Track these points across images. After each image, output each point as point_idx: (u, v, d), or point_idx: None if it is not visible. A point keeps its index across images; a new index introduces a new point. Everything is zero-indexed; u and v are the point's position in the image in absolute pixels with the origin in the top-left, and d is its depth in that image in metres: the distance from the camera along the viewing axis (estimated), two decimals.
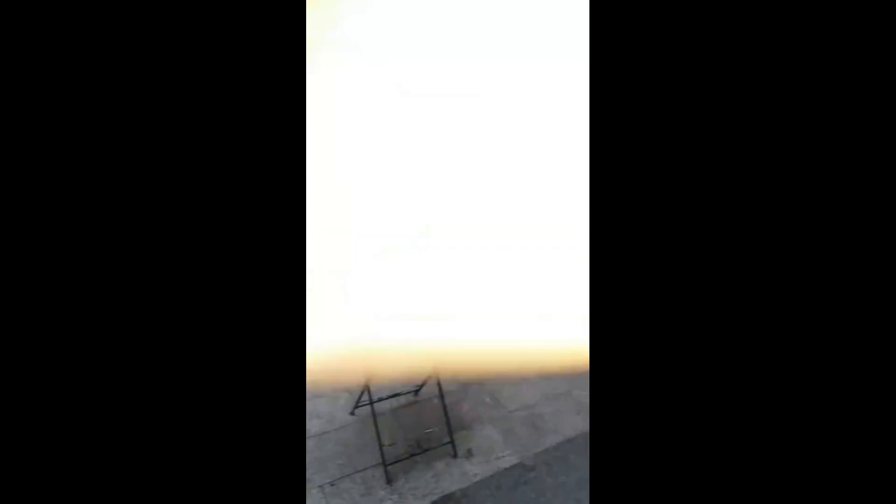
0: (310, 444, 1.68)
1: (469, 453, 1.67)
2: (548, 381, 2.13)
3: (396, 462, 1.60)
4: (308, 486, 1.51)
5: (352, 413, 1.81)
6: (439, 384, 1.68)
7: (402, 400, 1.93)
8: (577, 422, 1.87)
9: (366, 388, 1.59)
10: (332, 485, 1.52)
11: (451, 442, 1.67)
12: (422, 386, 1.97)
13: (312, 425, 1.77)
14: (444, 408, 1.68)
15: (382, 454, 1.55)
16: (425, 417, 1.85)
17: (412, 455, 1.64)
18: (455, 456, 1.64)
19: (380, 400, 1.86)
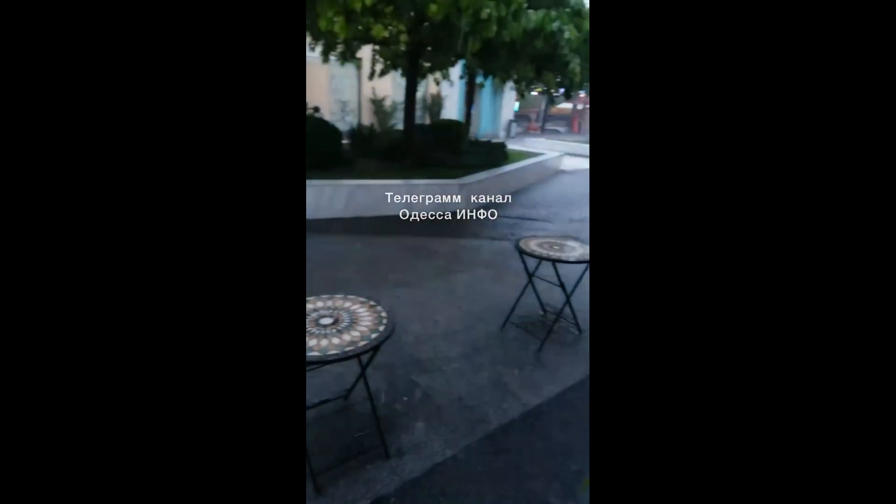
0: None
1: (401, 452, 1.65)
2: (476, 372, 2.17)
3: (326, 471, 1.53)
4: None
5: None
6: (367, 386, 1.64)
7: (331, 406, 1.86)
8: (507, 409, 1.92)
9: None
10: None
11: (383, 443, 1.64)
12: (351, 389, 1.91)
13: None
14: (374, 409, 1.65)
15: (310, 464, 1.49)
16: (356, 421, 1.80)
17: (343, 462, 1.59)
18: (387, 457, 1.62)
19: (308, 408, 1.78)
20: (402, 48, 5.91)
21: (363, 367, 1.60)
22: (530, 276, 2.56)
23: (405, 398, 1.96)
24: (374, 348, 1.40)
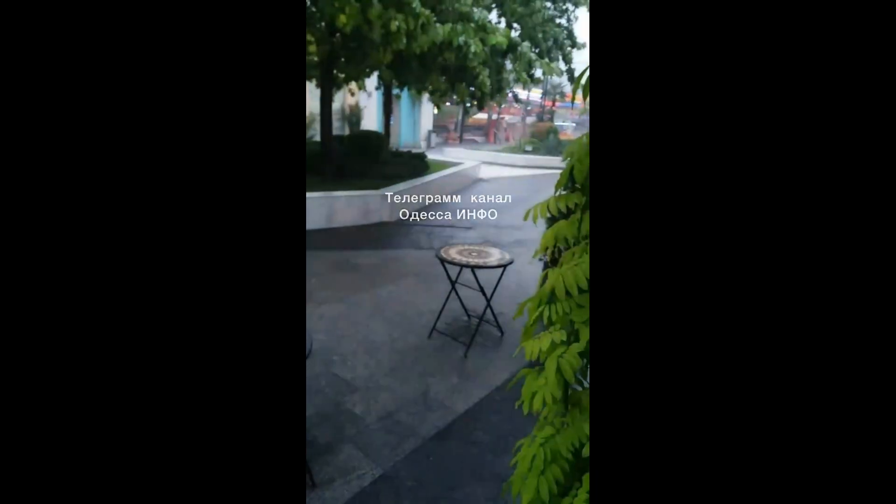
0: None
1: (329, 479, 1.58)
2: (404, 384, 2.15)
3: None
4: None
5: None
6: None
7: None
8: (436, 419, 1.92)
9: None
10: None
11: (308, 472, 1.56)
12: None
13: None
14: None
15: None
16: None
17: None
18: (314, 486, 1.54)
19: None
20: (315, 59, 5.77)
21: None
22: (453, 283, 2.60)
23: (331, 421, 1.89)
24: None
